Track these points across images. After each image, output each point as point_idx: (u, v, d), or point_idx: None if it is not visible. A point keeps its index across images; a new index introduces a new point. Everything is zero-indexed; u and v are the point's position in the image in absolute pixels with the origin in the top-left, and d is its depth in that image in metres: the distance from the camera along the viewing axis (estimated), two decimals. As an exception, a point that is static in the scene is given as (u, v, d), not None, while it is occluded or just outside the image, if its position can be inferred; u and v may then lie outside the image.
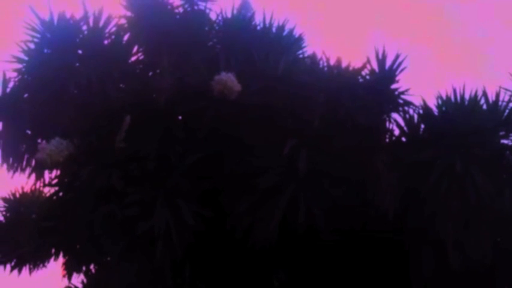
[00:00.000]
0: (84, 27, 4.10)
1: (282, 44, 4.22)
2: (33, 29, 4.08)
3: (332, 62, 3.93)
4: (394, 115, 3.94)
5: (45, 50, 4.09)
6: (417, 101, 3.91)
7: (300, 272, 4.00)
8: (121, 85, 4.09)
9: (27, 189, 4.73)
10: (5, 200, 4.74)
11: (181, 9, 4.33)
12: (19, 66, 4.13)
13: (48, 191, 4.27)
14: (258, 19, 4.32)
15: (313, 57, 4.08)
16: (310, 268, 3.97)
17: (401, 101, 3.92)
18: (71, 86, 3.99)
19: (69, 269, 4.40)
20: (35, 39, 4.09)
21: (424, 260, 3.77)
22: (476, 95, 3.79)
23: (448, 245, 3.67)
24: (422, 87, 4.08)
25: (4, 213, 4.72)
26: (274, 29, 4.28)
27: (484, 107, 3.82)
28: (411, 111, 3.90)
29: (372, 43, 3.95)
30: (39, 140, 4.17)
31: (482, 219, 3.69)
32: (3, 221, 4.71)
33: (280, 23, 4.28)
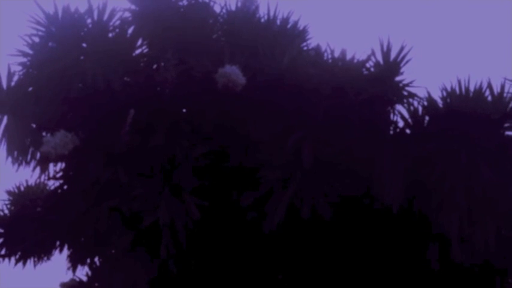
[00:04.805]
0: (89, 21, 4.10)
1: (286, 37, 4.21)
2: (38, 23, 4.08)
3: (336, 54, 3.94)
4: (399, 107, 3.95)
5: (50, 44, 4.09)
6: (422, 93, 3.92)
7: (304, 264, 4.00)
8: (125, 78, 4.09)
9: (31, 182, 4.74)
10: (9, 193, 4.74)
11: (185, 2, 4.32)
12: (24, 60, 4.13)
13: (53, 184, 4.28)
14: (262, 12, 4.32)
15: (317, 49, 4.08)
16: (314, 260, 3.98)
17: (405, 93, 3.92)
18: (75, 79, 4.00)
19: (74, 262, 4.40)
20: (40, 33, 4.09)
21: (429, 252, 3.78)
22: (481, 87, 3.79)
23: (452, 237, 3.68)
24: (427, 79, 4.08)
25: (9, 206, 4.72)
26: (278, 22, 4.27)
27: (489, 98, 3.81)
28: (416, 103, 3.91)
29: (377, 35, 3.93)
30: (43, 133, 4.17)
31: (487, 211, 3.69)
32: (8, 214, 4.72)
33: (285, 16, 4.27)
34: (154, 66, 4.23)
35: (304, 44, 4.33)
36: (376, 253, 3.91)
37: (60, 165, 4.18)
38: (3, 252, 4.64)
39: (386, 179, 3.72)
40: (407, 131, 3.93)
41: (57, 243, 4.48)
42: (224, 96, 3.82)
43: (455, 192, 3.66)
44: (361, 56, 3.92)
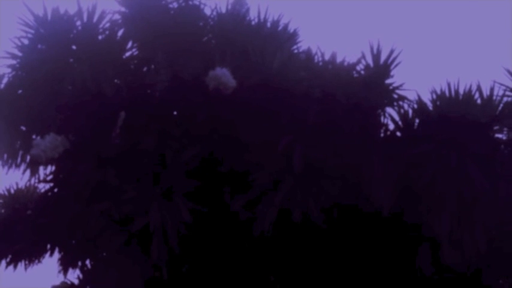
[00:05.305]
0: (78, 23, 4.09)
1: (276, 39, 4.21)
2: (27, 25, 4.08)
3: (327, 57, 3.94)
4: (389, 110, 3.96)
5: (39, 46, 4.09)
6: (412, 96, 3.93)
7: (295, 266, 4.01)
8: (115, 81, 4.09)
9: (22, 185, 4.73)
10: (-1, 196, 4.74)
11: (175, 5, 4.32)
12: (13, 62, 4.13)
13: (43, 187, 4.27)
14: (252, 14, 4.32)
15: (308, 52, 4.08)
16: (306, 262, 3.99)
17: (396, 96, 3.93)
18: (65, 81, 3.99)
19: (65, 265, 4.39)
20: (29, 35, 4.09)
21: (421, 256, 3.79)
22: (470, 90, 3.80)
23: (442, 240, 3.69)
24: (417, 81, 4.10)
25: (-1, 209, 4.71)
26: (268, 24, 4.27)
27: (479, 101, 3.83)
28: (406, 106, 3.92)
29: (367, 38, 3.95)
30: (33, 136, 4.17)
31: (477, 214, 3.70)
32: (-2, 217, 4.70)
33: (275, 18, 4.28)
34: (145, 68, 4.23)
35: (295, 47, 4.34)
36: (367, 255, 3.92)
37: (51, 168, 4.17)
38: (-7, 255, 4.62)
39: (377, 182, 3.72)
40: (398, 133, 3.94)
41: (48, 246, 4.48)
42: (215, 99, 3.82)
43: (446, 195, 3.67)
44: (351, 59, 3.94)
